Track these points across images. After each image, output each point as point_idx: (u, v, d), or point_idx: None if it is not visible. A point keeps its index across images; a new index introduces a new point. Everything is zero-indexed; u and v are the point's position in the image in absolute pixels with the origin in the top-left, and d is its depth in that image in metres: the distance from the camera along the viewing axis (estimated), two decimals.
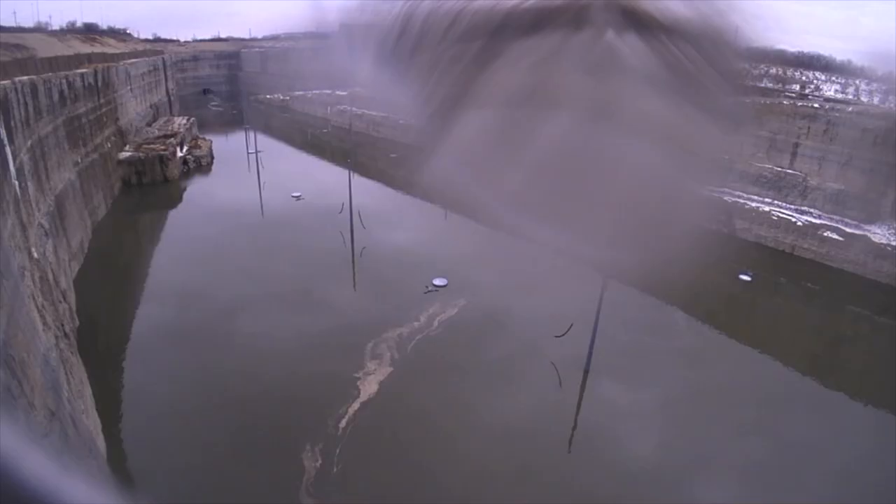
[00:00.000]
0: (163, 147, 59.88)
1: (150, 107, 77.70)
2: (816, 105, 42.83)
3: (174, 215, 50.89)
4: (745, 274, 37.55)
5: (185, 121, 76.91)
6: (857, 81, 46.88)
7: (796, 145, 42.78)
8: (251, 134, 67.05)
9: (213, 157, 68.66)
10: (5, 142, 23.79)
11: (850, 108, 40.96)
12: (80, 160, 42.31)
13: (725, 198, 43.57)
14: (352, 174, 44.97)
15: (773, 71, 49.30)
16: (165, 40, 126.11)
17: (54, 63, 40.37)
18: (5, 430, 0.97)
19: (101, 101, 51.74)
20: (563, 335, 27.33)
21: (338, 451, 20.89)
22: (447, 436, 22.03)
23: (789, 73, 50.59)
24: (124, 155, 56.49)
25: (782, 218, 42.33)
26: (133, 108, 67.14)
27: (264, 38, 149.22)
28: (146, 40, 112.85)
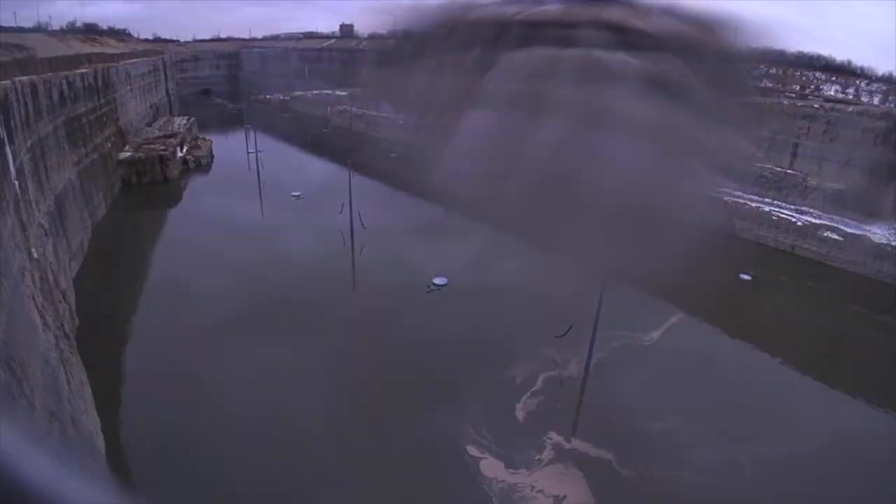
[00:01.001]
0: (163, 147, 59.88)
1: (150, 107, 77.66)
2: (816, 105, 42.84)
3: (174, 215, 50.87)
4: (746, 273, 37.55)
5: (184, 121, 76.89)
6: (858, 81, 46.91)
7: (796, 145, 42.79)
8: (251, 134, 67.05)
9: (212, 157, 68.68)
10: (5, 142, 23.81)
11: (850, 108, 40.96)
12: (79, 160, 42.30)
13: (725, 198, 43.54)
14: (351, 174, 44.95)
15: (773, 71, 49.27)
16: (165, 40, 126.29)
17: (54, 63, 40.32)
18: (5, 430, 0.98)
19: (101, 101, 51.71)
20: (563, 335, 27.34)
21: None
22: None
23: (789, 73, 50.60)
24: (124, 155, 56.48)
25: (782, 218, 42.33)
26: (133, 108, 67.11)
27: (264, 38, 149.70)
28: (146, 40, 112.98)
